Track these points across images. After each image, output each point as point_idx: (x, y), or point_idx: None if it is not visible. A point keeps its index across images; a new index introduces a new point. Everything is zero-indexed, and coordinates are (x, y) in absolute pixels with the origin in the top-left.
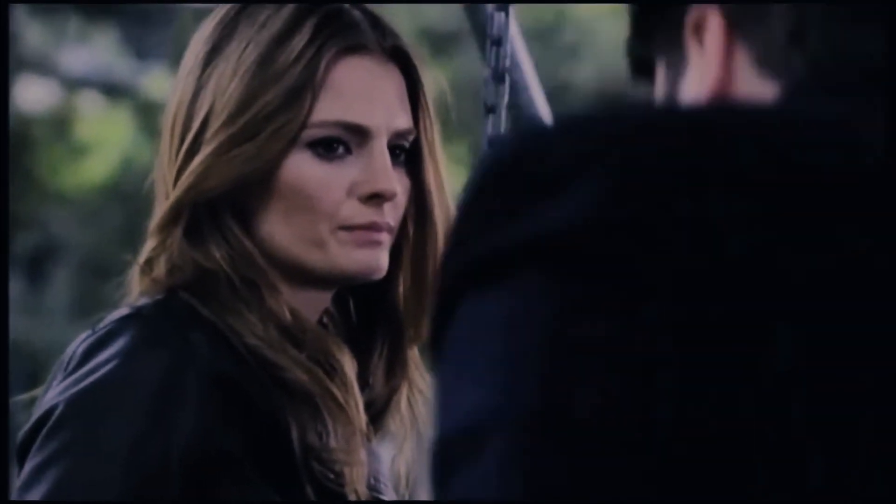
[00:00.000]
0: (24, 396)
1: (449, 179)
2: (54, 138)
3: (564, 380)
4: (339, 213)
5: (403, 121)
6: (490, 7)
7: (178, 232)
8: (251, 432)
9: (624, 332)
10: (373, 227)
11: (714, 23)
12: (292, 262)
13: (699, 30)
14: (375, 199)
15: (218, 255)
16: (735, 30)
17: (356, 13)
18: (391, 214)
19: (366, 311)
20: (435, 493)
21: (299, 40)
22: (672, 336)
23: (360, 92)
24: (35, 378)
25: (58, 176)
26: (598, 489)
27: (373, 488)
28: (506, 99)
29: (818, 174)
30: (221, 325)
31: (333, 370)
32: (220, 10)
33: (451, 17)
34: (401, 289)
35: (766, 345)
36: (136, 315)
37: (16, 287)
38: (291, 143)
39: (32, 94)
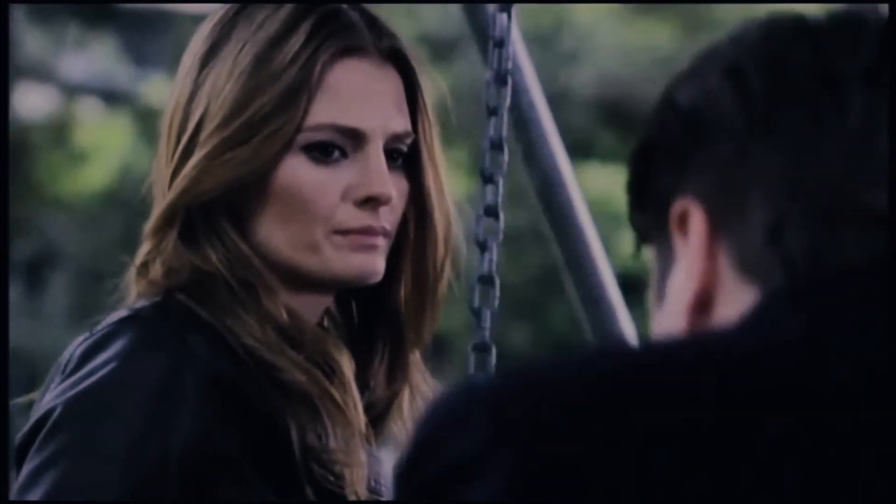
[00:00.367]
0: (22, 399)
1: (449, 183)
2: (53, 145)
3: None
4: (334, 216)
5: (400, 123)
6: (492, 8)
7: (173, 234)
8: (249, 433)
9: None
10: (368, 231)
11: (696, 217)
12: (288, 266)
13: (683, 223)
14: (371, 202)
15: (214, 257)
16: (717, 226)
17: (353, 14)
18: (387, 218)
19: (367, 314)
20: None
21: (295, 41)
22: None
23: (356, 94)
24: (33, 382)
25: (56, 182)
26: None
27: (373, 490)
28: (508, 101)
29: (757, 428)
30: (219, 327)
31: (332, 371)
32: (220, 11)
33: (450, 22)
34: (402, 292)
35: None
36: (134, 317)
37: (14, 292)
38: (286, 147)
39: (31, 101)
